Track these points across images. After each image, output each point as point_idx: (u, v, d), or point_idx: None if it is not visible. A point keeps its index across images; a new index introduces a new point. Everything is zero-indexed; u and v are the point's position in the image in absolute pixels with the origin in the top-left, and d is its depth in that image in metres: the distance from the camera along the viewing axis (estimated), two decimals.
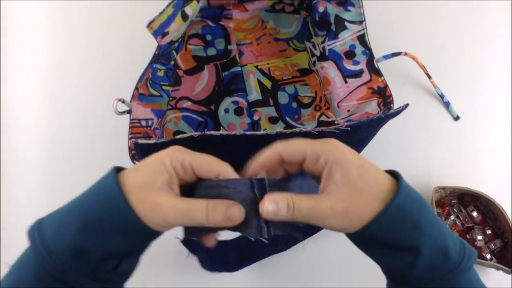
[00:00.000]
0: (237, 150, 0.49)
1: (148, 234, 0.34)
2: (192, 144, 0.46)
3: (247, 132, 0.45)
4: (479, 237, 0.66)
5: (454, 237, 0.37)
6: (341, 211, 0.33)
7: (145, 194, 0.32)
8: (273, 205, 0.33)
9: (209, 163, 0.35)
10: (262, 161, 0.36)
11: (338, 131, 0.46)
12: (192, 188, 0.36)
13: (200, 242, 0.37)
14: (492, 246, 0.66)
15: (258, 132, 0.45)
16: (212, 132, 0.44)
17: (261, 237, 0.35)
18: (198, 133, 0.44)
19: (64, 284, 0.33)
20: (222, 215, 0.33)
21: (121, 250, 0.34)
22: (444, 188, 0.68)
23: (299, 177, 0.37)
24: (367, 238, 0.35)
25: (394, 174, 0.37)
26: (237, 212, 0.34)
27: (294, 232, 0.37)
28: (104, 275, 0.34)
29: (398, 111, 0.52)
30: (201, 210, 0.33)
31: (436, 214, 0.37)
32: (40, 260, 0.33)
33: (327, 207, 0.33)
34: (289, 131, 0.45)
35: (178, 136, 0.45)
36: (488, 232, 0.67)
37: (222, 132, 0.45)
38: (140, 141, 0.45)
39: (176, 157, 0.34)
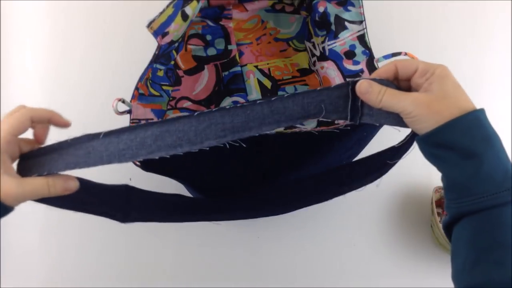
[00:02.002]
0: (237, 152, 0.49)
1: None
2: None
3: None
4: None
5: None
6: (424, 101, 0.39)
7: None
8: (367, 84, 0.40)
9: (15, 119, 0.41)
10: (380, 72, 0.42)
11: (338, 131, 0.46)
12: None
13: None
14: None
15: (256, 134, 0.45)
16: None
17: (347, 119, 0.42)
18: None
19: None
20: (61, 188, 0.40)
21: None
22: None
23: None
24: (439, 140, 0.39)
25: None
26: (72, 184, 0.41)
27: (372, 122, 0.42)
28: None
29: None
30: (43, 187, 0.40)
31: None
32: None
33: (413, 96, 0.39)
34: (289, 131, 0.45)
35: None
36: None
37: None
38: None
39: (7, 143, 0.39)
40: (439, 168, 0.41)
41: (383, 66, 0.43)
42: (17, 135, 0.40)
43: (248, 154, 0.50)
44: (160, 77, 0.62)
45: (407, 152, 0.49)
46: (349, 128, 0.46)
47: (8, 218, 0.68)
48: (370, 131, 0.56)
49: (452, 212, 0.41)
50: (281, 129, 0.70)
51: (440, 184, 0.68)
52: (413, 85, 0.42)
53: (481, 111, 0.39)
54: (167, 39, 0.56)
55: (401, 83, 0.43)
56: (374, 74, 0.43)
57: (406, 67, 0.42)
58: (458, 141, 0.38)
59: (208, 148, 0.43)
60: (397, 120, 0.42)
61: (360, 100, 0.42)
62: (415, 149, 0.72)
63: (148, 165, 0.54)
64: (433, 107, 0.39)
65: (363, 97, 0.41)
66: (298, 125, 0.71)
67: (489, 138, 0.39)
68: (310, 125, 0.71)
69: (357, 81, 0.41)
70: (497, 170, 0.38)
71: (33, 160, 0.41)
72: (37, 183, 0.39)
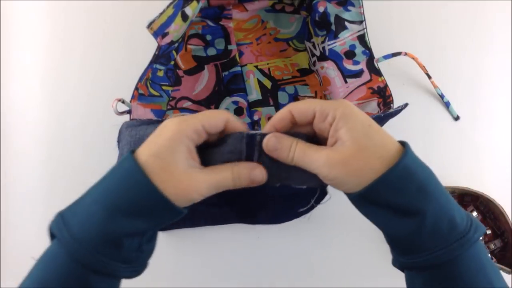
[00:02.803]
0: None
1: (176, 213, 0.35)
2: None
3: (245, 133, 0.45)
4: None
5: (461, 209, 0.35)
6: (338, 160, 0.33)
7: (174, 177, 0.33)
8: (275, 139, 0.35)
9: (216, 116, 0.36)
10: (275, 121, 0.37)
11: None
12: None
13: None
14: (492, 246, 0.66)
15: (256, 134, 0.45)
16: None
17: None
18: None
19: (95, 272, 0.33)
20: (247, 180, 0.35)
21: (147, 229, 0.35)
22: None
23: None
24: (371, 199, 0.35)
25: (401, 142, 0.36)
26: (259, 174, 0.35)
27: (284, 175, 0.37)
28: (132, 255, 0.35)
29: (398, 111, 0.52)
30: (228, 179, 0.35)
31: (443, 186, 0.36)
32: (70, 251, 0.33)
33: (325, 154, 0.34)
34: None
35: None
36: (488, 232, 0.67)
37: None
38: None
39: (189, 126, 0.34)
40: (377, 225, 0.37)
41: (277, 114, 0.37)
42: (208, 131, 0.35)
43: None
44: (160, 77, 0.62)
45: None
46: None
47: (8, 218, 0.68)
48: None
49: (399, 264, 0.38)
50: None
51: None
52: (317, 131, 0.36)
53: (406, 153, 0.34)
54: (167, 40, 0.56)
55: (300, 128, 0.37)
56: (268, 126, 0.37)
57: (302, 112, 0.36)
58: (391, 199, 0.34)
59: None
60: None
61: (268, 157, 0.36)
62: (415, 149, 0.72)
63: None
64: (350, 166, 0.33)
65: (272, 154, 0.36)
66: None
67: (424, 187, 0.34)
68: None
69: (255, 134, 0.36)
70: (442, 221, 0.34)
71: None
72: (221, 174, 0.35)
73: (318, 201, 0.54)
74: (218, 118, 0.36)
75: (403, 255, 0.37)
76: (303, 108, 0.36)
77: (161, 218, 0.35)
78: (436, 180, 0.35)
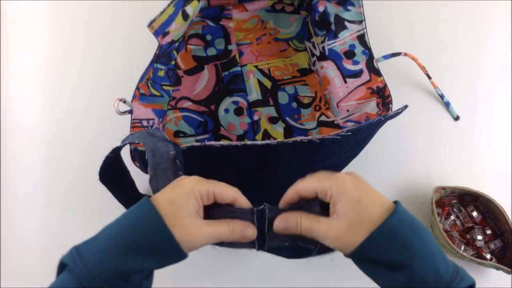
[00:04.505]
0: (237, 159, 0.49)
1: (181, 256, 0.40)
2: (193, 153, 0.46)
3: (248, 143, 0.46)
4: (479, 237, 0.66)
5: (447, 260, 0.39)
6: (334, 236, 0.40)
7: (183, 224, 0.39)
8: (283, 222, 0.42)
9: (227, 191, 0.42)
10: (287, 200, 0.43)
11: (339, 137, 0.46)
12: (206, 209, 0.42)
13: None
14: (492, 246, 0.66)
15: (259, 142, 0.46)
16: (212, 143, 0.45)
17: (254, 249, 0.44)
18: (198, 144, 0.45)
19: None
20: (239, 235, 0.42)
21: (151, 268, 0.40)
22: (444, 188, 0.68)
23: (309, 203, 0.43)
24: (362, 259, 0.40)
25: (395, 202, 0.42)
26: (250, 232, 0.42)
27: (289, 242, 0.44)
28: None
29: (397, 113, 0.52)
30: (225, 232, 0.41)
31: (434, 239, 0.40)
32: (82, 280, 0.37)
33: (324, 230, 0.40)
34: (290, 140, 0.46)
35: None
36: (488, 232, 0.67)
37: (223, 143, 0.45)
38: (139, 148, 0.47)
39: (202, 187, 0.40)
40: (373, 280, 0.42)
41: (287, 194, 0.43)
42: (216, 199, 0.42)
43: (249, 161, 0.50)
44: (161, 77, 0.62)
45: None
46: (350, 133, 0.47)
47: (8, 218, 0.68)
48: (370, 133, 0.56)
49: None
50: (281, 128, 0.71)
51: (441, 184, 0.69)
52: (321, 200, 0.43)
53: (392, 215, 0.39)
54: (167, 39, 0.56)
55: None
56: (282, 203, 0.44)
57: (307, 191, 0.42)
58: (378, 256, 0.39)
59: (209, 158, 0.46)
60: None
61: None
62: (415, 149, 0.72)
63: (147, 168, 0.54)
64: (343, 240, 0.39)
65: (283, 233, 0.42)
66: (298, 125, 0.71)
67: (409, 243, 0.38)
68: (310, 125, 0.71)
69: (264, 210, 0.42)
70: (428, 273, 0.38)
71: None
72: (220, 227, 0.41)
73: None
74: (229, 192, 0.42)
75: None
76: (306, 187, 0.42)
77: (167, 259, 0.40)
78: (421, 235, 0.39)
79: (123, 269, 0.38)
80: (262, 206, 0.43)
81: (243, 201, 0.43)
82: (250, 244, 0.44)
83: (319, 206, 0.42)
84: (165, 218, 0.38)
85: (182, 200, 0.39)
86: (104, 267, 0.37)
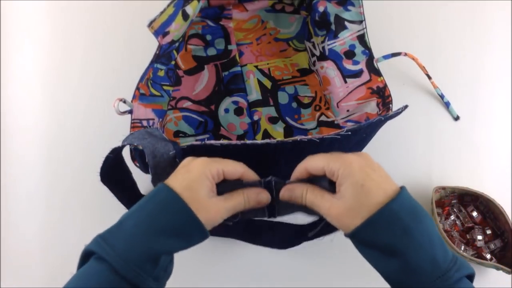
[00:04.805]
0: (237, 158, 0.49)
1: (204, 235, 0.43)
2: (193, 151, 0.46)
3: (248, 142, 0.46)
4: (479, 237, 0.66)
5: (446, 250, 0.40)
6: (334, 215, 0.41)
7: (202, 206, 0.42)
8: (289, 192, 0.44)
9: (235, 167, 0.45)
10: (296, 176, 0.45)
11: (339, 137, 0.46)
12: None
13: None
14: (492, 246, 0.66)
15: (258, 142, 0.46)
16: (213, 142, 0.46)
17: (265, 217, 0.47)
18: (198, 143, 0.45)
19: (133, 286, 0.39)
20: (255, 201, 0.45)
21: (179, 249, 0.42)
22: (444, 188, 0.68)
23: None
24: (359, 241, 0.41)
25: (401, 187, 0.42)
26: (265, 197, 0.45)
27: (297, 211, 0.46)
28: (161, 273, 0.42)
29: (397, 113, 0.52)
30: (241, 202, 0.44)
31: (435, 227, 0.40)
32: (114, 266, 0.38)
33: (326, 207, 0.42)
34: (290, 140, 0.46)
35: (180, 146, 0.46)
36: (488, 232, 0.67)
37: (223, 142, 0.46)
38: (139, 147, 0.46)
39: (212, 168, 0.43)
40: (370, 263, 0.42)
41: (297, 170, 0.45)
42: (226, 176, 0.44)
43: (248, 159, 0.50)
44: (161, 77, 0.62)
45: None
46: (350, 133, 0.47)
47: (8, 218, 0.68)
48: (370, 133, 0.56)
49: None
50: (281, 128, 0.71)
51: (441, 184, 0.69)
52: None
53: (394, 200, 0.39)
54: (167, 39, 0.56)
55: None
56: (292, 177, 0.46)
57: (315, 169, 0.43)
58: (375, 240, 0.39)
59: (211, 156, 0.46)
60: None
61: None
62: (415, 149, 0.72)
63: (147, 167, 0.54)
64: (341, 221, 0.41)
65: (289, 201, 0.45)
66: (298, 125, 0.71)
67: (408, 230, 0.38)
68: (310, 125, 0.71)
69: (271, 180, 0.45)
70: (424, 261, 0.38)
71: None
72: (235, 199, 0.44)
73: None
74: (237, 169, 0.45)
75: None
76: (314, 164, 0.43)
77: (193, 238, 0.42)
78: (421, 222, 0.39)
79: (153, 251, 0.40)
80: (268, 178, 0.45)
81: (250, 174, 0.46)
82: (261, 213, 0.47)
83: (328, 182, 0.43)
84: (190, 206, 0.41)
85: (197, 184, 0.42)
86: (135, 251, 0.39)
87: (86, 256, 0.41)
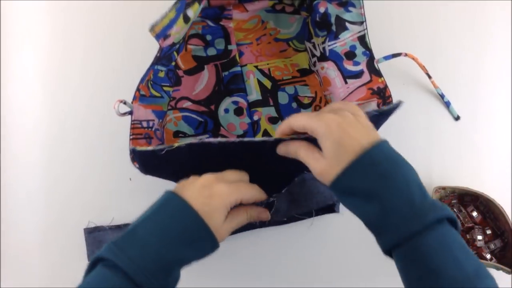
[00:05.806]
0: (236, 155, 0.50)
1: (216, 247, 0.46)
2: (191, 150, 0.46)
3: (245, 139, 0.46)
4: (479, 237, 0.66)
5: (426, 195, 0.41)
6: (318, 172, 0.44)
7: (216, 231, 0.45)
8: (284, 148, 0.48)
9: (252, 195, 0.49)
10: (280, 132, 0.49)
11: None
12: None
13: None
14: (492, 246, 0.66)
15: (256, 139, 0.47)
16: (211, 140, 0.46)
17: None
18: (196, 141, 0.45)
19: None
20: (255, 219, 0.51)
21: (192, 259, 0.45)
22: (444, 188, 0.68)
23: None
24: (340, 190, 0.43)
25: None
26: (265, 216, 0.53)
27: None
28: (172, 283, 0.44)
29: (393, 108, 0.52)
30: (244, 221, 0.50)
31: (416, 176, 0.42)
32: (128, 272, 0.39)
33: (313, 164, 0.45)
34: (288, 138, 0.46)
35: (177, 144, 0.46)
36: (488, 232, 0.67)
37: (220, 139, 0.46)
38: (138, 148, 0.47)
39: (233, 198, 0.47)
40: (352, 212, 0.44)
41: (281, 126, 0.48)
42: (242, 202, 0.49)
43: (247, 157, 0.50)
44: (161, 78, 0.62)
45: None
46: None
47: (8, 218, 0.68)
48: None
49: (382, 250, 0.43)
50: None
51: (441, 184, 0.69)
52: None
53: (371, 149, 0.41)
54: (168, 42, 0.56)
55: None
56: (277, 134, 0.49)
57: (297, 126, 0.46)
58: (355, 186, 0.41)
59: (207, 156, 0.48)
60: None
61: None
62: (415, 149, 0.72)
63: (146, 168, 0.54)
64: (323, 176, 0.44)
65: (284, 155, 0.48)
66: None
67: (386, 172, 0.40)
68: None
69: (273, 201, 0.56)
70: (400, 202, 0.39)
71: None
72: (242, 216, 0.50)
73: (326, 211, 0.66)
74: (253, 196, 0.49)
75: (380, 239, 0.42)
76: (297, 124, 0.46)
77: (205, 250, 0.46)
78: (400, 167, 0.41)
79: (168, 260, 0.41)
80: (273, 199, 0.55)
81: (263, 197, 0.50)
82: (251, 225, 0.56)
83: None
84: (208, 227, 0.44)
85: (218, 214, 0.45)
86: (150, 260, 0.41)
87: (95, 263, 0.42)
